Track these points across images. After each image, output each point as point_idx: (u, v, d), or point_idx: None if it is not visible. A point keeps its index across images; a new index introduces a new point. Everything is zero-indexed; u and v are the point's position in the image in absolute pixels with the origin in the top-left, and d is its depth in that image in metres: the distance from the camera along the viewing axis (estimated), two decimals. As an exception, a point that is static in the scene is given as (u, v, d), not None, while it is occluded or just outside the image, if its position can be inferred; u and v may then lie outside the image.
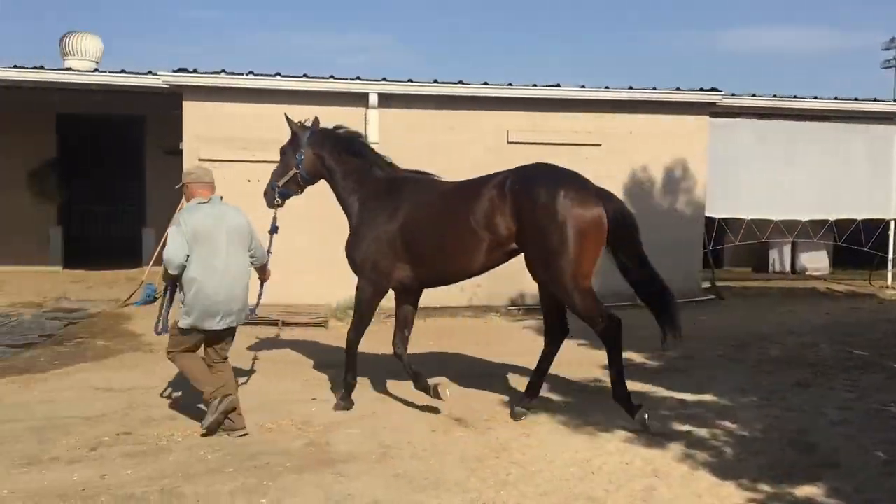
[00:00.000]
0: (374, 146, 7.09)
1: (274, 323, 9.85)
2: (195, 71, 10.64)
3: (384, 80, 11.03)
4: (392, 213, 6.24)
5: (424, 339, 8.80)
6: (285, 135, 6.89)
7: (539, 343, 6.51)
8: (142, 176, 15.08)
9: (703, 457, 5.38)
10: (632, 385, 6.24)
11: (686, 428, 5.98)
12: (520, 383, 6.96)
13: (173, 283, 5.80)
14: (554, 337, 6.26)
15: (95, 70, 12.04)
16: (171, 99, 11.65)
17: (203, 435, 5.69)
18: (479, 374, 7.61)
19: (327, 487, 4.84)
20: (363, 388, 6.94)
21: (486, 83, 11.60)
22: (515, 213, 5.75)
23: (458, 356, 8.47)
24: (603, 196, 5.81)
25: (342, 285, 11.00)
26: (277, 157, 6.97)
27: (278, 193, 6.75)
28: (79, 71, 13.08)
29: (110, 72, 11.75)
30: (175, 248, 5.57)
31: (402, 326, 6.55)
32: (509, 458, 5.35)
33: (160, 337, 7.33)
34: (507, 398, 6.75)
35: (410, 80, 11.09)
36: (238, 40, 48.80)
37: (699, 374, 7.69)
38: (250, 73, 10.85)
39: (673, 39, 60.81)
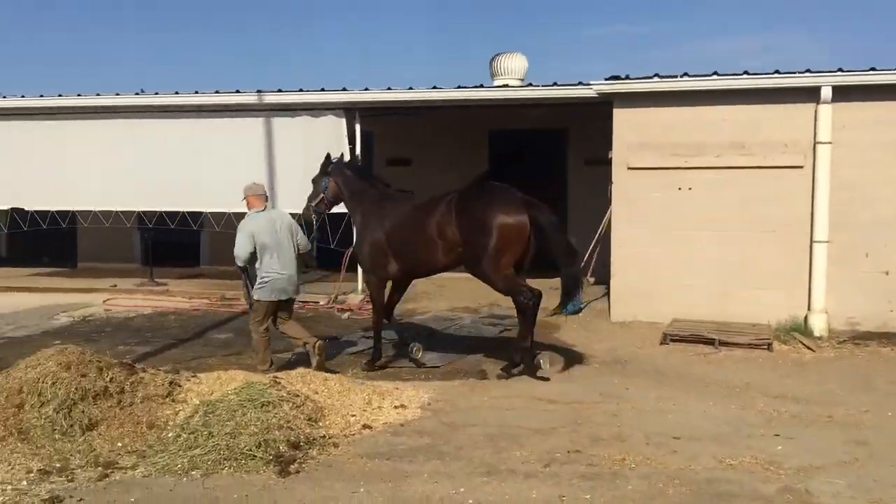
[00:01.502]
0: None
1: (709, 342, 9.09)
2: (627, 77, 10.35)
3: (839, 70, 9.62)
4: (381, 223, 8.05)
5: None
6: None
7: None
8: (564, 187, 15.36)
9: None
10: None
11: None
12: None
13: (245, 271, 7.78)
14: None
15: (529, 84, 12.46)
16: (596, 109, 11.56)
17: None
18: None
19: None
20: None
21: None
22: (457, 223, 7.44)
23: None
24: (528, 205, 7.30)
25: (780, 303, 9.98)
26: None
27: (313, 212, 8.80)
28: (514, 87, 13.71)
29: (543, 85, 12.04)
30: (241, 247, 7.62)
31: (391, 306, 8.50)
32: None
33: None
34: None
35: (873, 69, 9.51)
36: (632, 53, 48.51)
37: None
38: (684, 74, 10.24)
39: None
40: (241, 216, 13.02)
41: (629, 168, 10.49)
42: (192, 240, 16.35)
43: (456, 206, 7.52)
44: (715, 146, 10.21)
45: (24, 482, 4.99)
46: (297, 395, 6.16)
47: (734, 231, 10.27)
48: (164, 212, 13.76)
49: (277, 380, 6.43)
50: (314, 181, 8.73)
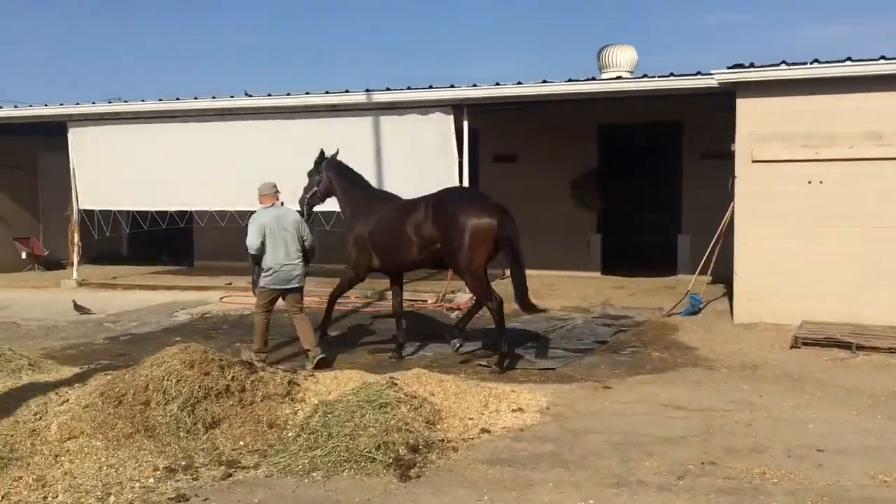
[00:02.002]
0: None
1: (846, 346, 8.48)
2: (751, 65, 9.78)
3: None
4: (366, 221, 8.58)
5: None
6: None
7: None
8: (677, 182, 14.77)
9: None
10: None
11: None
12: None
13: (256, 261, 8.29)
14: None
15: (644, 76, 11.98)
16: (715, 100, 11.02)
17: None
18: None
19: None
20: None
21: None
22: (434, 223, 8.01)
23: None
24: (497, 209, 7.88)
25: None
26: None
27: (307, 204, 9.15)
28: (629, 79, 13.24)
29: (659, 76, 11.54)
30: (252, 238, 8.15)
31: (398, 302, 8.94)
32: None
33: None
34: None
35: None
36: (738, 41, 46.58)
37: None
38: (815, 61, 9.60)
39: None
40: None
41: (754, 161, 9.93)
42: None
43: (433, 208, 8.14)
44: (848, 136, 9.53)
45: (151, 480, 5.05)
46: (415, 397, 6.03)
47: (869, 227, 9.58)
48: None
49: (394, 380, 6.34)
50: (309, 174, 9.24)
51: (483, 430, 5.93)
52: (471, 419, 6.15)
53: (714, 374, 7.74)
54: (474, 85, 12.23)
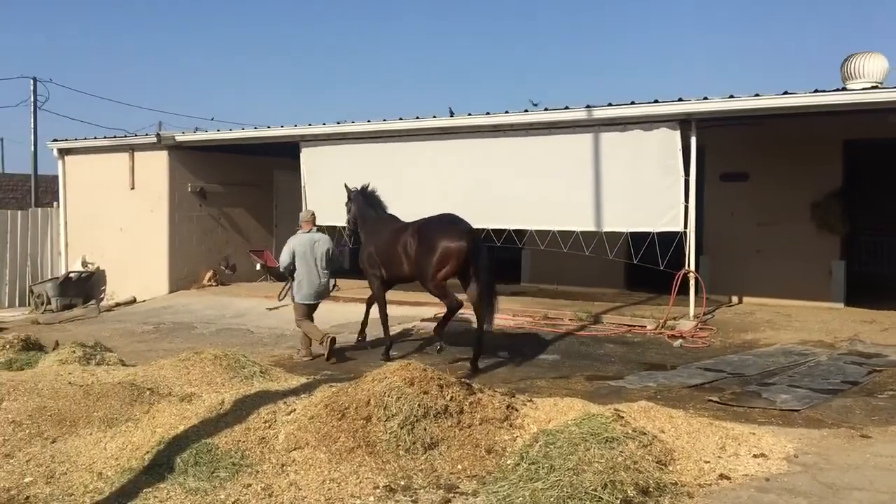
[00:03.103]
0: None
1: None
2: None
3: None
4: (375, 240, 10.11)
5: None
6: None
7: None
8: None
9: None
10: None
11: None
12: None
13: (288, 275, 10.25)
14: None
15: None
16: None
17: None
18: None
19: None
20: None
21: None
22: (417, 243, 9.43)
23: None
24: (470, 233, 9.32)
25: None
26: None
27: (349, 231, 11.43)
28: (887, 88, 11.81)
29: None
30: (283, 257, 10.06)
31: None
32: None
33: None
34: None
35: None
36: None
37: None
38: None
39: None
40: (566, 234, 12.81)
41: None
42: (513, 257, 16.49)
43: (417, 230, 9.54)
44: None
45: (371, 498, 4.97)
46: (644, 433, 5.54)
47: None
48: (491, 229, 13.92)
49: (619, 413, 5.87)
50: (346, 204, 11.04)
51: (722, 476, 5.31)
52: (706, 462, 5.54)
53: None
54: (705, 98, 11.43)
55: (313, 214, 10.47)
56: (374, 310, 10.30)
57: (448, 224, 9.52)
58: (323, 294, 10.23)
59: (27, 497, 5.08)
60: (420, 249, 9.38)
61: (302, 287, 10.01)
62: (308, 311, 10.14)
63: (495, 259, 15.72)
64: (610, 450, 5.20)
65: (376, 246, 10.08)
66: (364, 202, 10.67)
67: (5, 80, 64.41)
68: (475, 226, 13.91)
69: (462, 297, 9.44)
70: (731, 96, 11.28)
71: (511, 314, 12.92)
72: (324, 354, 9.81)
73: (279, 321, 12.31)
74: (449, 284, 9.40)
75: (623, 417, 5.76)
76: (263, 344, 10.95)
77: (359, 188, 10.80)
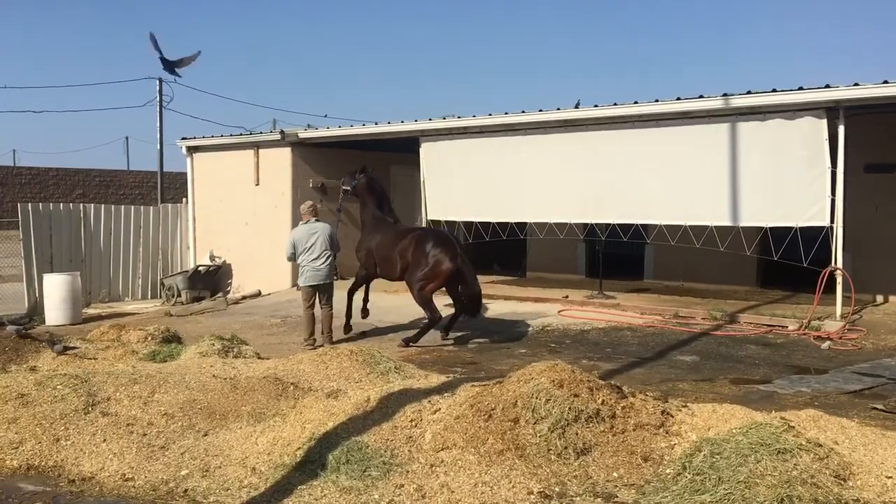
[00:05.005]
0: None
1: None
2: None
3: None
4: (373, 237, 11.23)
5: None
6: None
7: None
8: None
9: None
10: None
11: None
12: None
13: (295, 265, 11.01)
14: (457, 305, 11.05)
15: None
16: None
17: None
18: None
19: None
20: None
21: None
22: (413, 251, 10.52)
23: None
24: (458, 254, 10.39)
25: None
26: None
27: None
28: None
29: None
30: (287, 248, 10.71)
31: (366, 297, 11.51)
32: None
33: None
34: None
35: None
36: None
37: None
38: None
39: None
40: (698, 228, 12.27)
41: None
42: (636, 252, 15.98)
43: (416, 240, 10.53)
44: None
45: (527, 503, 4.77)
46: (819, 445, 5.11)
47: None
48: (616, 224, 13.50)
49: (790, 424, 5.46)
50: (346, 182, 12.01)
51: (910, 494, 4.84)
52: (888, 477, 5.06)
53: None
54: (855, 84, 10.66)
55: (312, 206, 10.98)
56: (357, 296, 11.26)
57: (444, 243, 10.49)
58: (324, 278, 10.70)
59: (185, 490, 5.15)
60: (415, 259, 10.43)
61: (304, 272, 10.62)
62: (311, 295, 10.69)
63: (614, 256, 15.52)
64: (783, 462, 4.82)
65: (376, 245, 11.07)
66: (369, 191, 11.56)
67: (131, 81, 67.84)
68: (602, 221, 13.73)
69: (448, 303, 11.02)
70: (886, 82, 10.45)
71: (639, 312, 12.51)
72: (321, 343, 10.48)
73: (401, 317, 12.30)
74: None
75: (794, 428, 5.35)
76: (389, 339, 10.96)
77: (362, 175, 11.66)
